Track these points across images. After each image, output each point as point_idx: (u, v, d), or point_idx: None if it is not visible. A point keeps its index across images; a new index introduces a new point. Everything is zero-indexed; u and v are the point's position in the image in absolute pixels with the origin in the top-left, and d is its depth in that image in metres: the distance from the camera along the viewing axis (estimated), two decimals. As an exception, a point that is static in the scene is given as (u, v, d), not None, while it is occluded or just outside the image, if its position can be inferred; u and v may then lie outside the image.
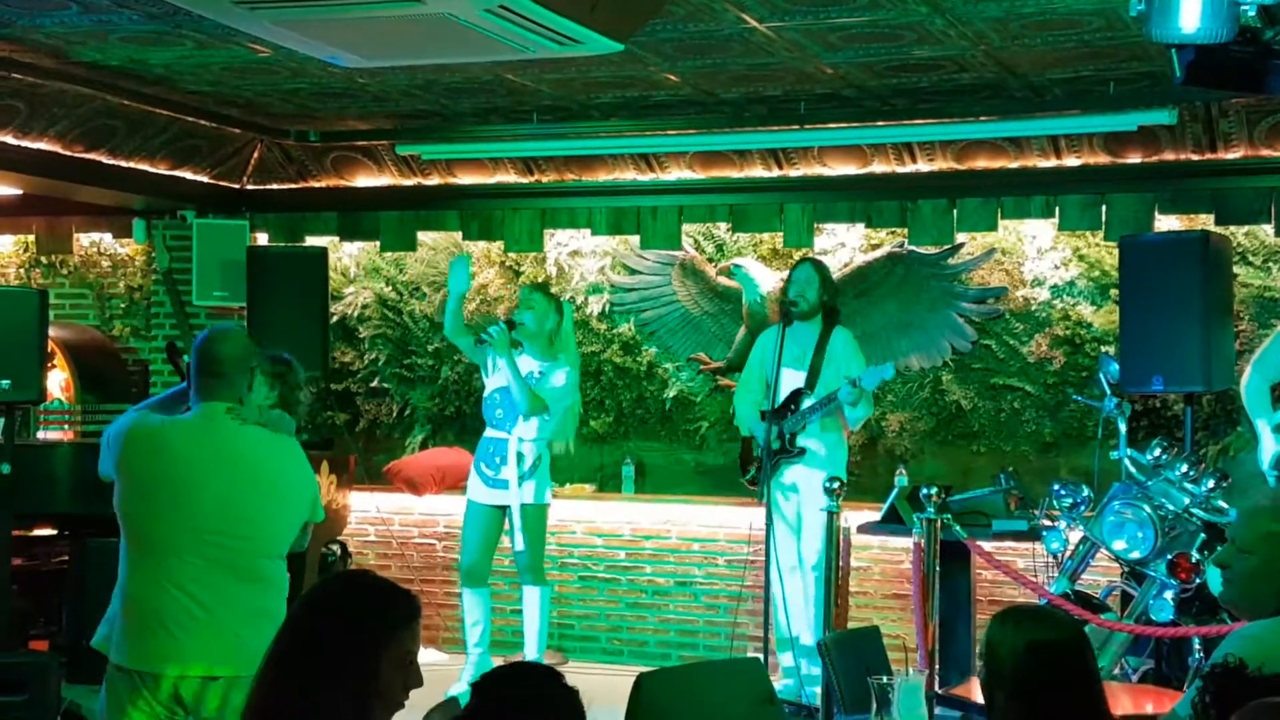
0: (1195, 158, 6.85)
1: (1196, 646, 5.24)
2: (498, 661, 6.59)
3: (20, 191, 8.01)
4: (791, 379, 6.53)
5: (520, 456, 6.52)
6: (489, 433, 6.65)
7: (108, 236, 8.75)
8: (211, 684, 3.72)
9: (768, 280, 7.49)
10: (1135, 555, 5.45)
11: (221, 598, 3.74)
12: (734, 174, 7.57)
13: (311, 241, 8.29)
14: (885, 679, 3.42)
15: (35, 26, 5.70)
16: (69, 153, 7.17)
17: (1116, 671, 5.37)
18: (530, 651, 6.55)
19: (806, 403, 6.48)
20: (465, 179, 8.03)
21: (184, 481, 3.77)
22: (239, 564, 3.78)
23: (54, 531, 7.30)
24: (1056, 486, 5.74)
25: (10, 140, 6.87)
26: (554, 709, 2.23)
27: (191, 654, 3.71)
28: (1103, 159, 6.98)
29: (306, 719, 2.38)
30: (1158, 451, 5.67)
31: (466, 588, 6.65)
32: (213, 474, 3.79)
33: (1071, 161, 7.04)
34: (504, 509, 6.60)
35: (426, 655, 2.59)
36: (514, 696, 2.24)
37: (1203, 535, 5.37)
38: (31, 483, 6.79)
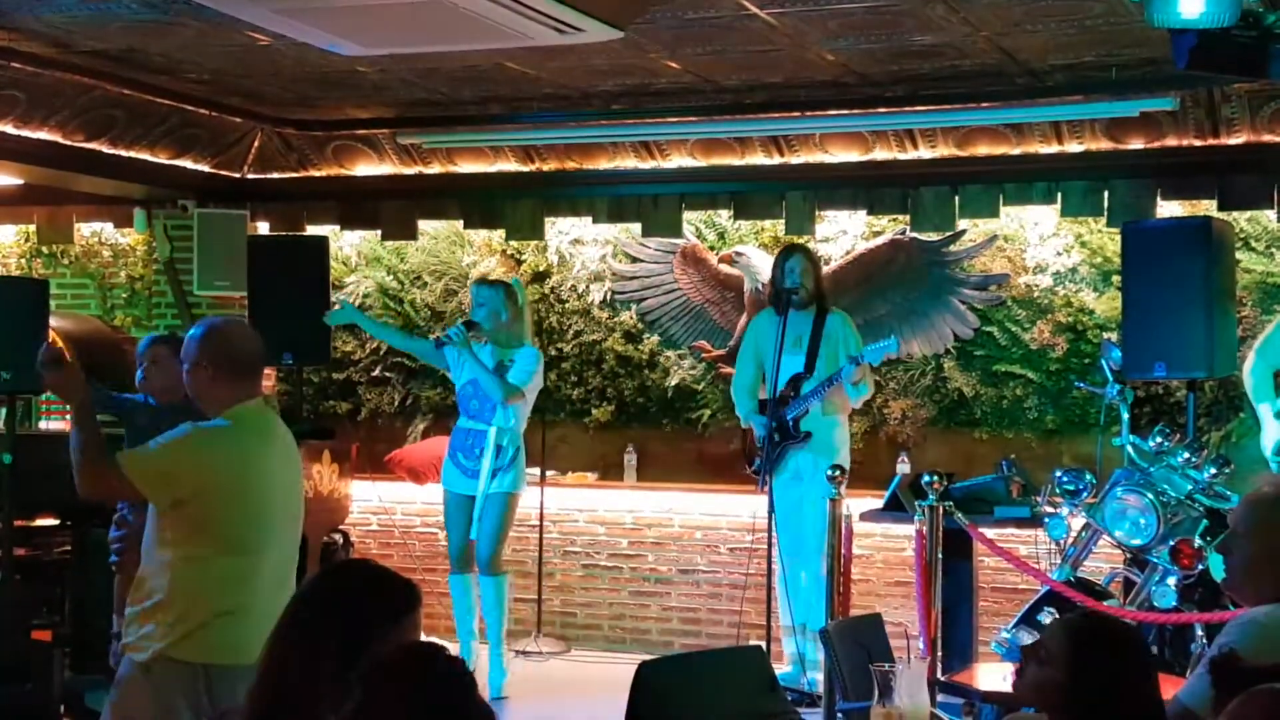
0: (1197, 143, 6.83)
1: (1199, 633, 5.24)
2: (481, 649, 6.61)
3: (21, 181, 7.99)
4: (790, 365, 6.54)
5: (499, 449, 6.51)
6: (465, 422, 6.63)
7: (109, 226, 8.74)
8: None
9: (769, 268, 7.47)
10: (1138, 542, 5.45)
11: (289, 587, 3.74)
12: (735, 161, 7.55)
13: (312, 230, 8.28)
14: (887, 666, 3.41)
15: (35, 16, 5.69)
16: (69, 142, 7.15)
17: (1119, 658, 5.36)
18: (494, 643, 6.56)
19: (807, 388, 6.49)
20: (466, 167, 8.01)
21: (274, 482, 3.73)
22: (293, 554, 3.83)
23: (56, 521, 7.30)
24: (1059, 473, 5.74)
25: (10, 130, 6.86)
26: (439, 687, 2.17)
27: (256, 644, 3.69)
28: (1105, 145, 6.96)
29: (310, 708, 2.38)
30: (1160, 438, 5.66)
31: (458, 574, 6.66)
32: (287, 470, 3.80)
33: (1073, 147, 7.02)
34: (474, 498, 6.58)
35: (428, 644, 2.56)
36: (399, 681, 2.19)
37: (1205, 522, 5.36)
38: (33, 473, 6.78)
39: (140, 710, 3.64)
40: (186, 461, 3.64)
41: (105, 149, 7.36)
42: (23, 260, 8.94)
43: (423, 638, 2.53)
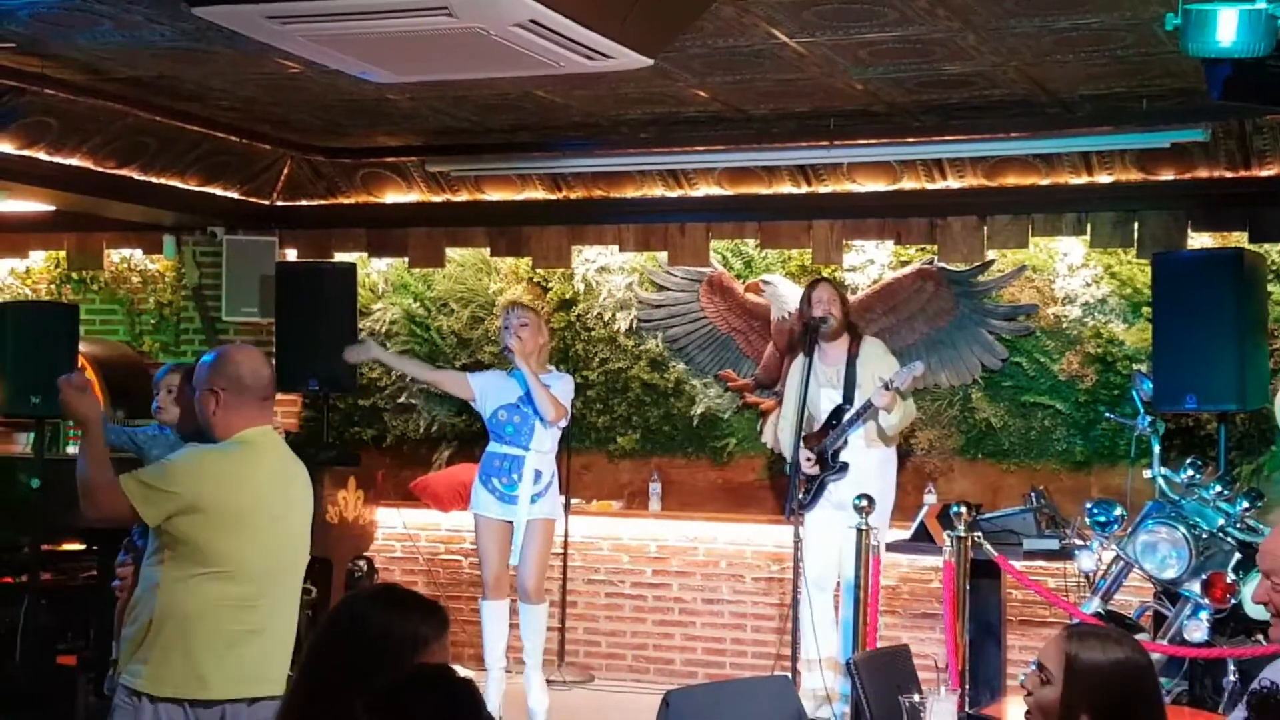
0: (1229, 175, 6.80)
1: (1231, 668, 5.18)
2: (516, 677, 6.57)
3: (52, 207, 8.05)
4: (830, 399, 6.53)
5: (538, 474, 6.47)
6: (499, 448, 6.54)
7: (138, 252, 8.79)
8: None
9: (796, 297, 7.46)
10: (1169, 575, 5.40)
11: (287, 618, 3.74)
12: (762, 190, 7.55)
13: (340, 258, 8.30)
14: (917, 698, 3.38)
15: (69, 43, 5.73)
16: (100, 169, 7.20)
17: (1150, 693, 5.31)
18: (531, 660, 6.52)
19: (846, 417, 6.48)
20: (494, 195, 8.03)
21: (263, 509, 3.70)
22: (294, 584, 3.81)
23: (82, 546, 7.31)
24: (1089, 505, 5.70)
25: (42, 156, 6.91)
26: (455, 703, 2.14)
27: (281, 675, 3.69)
28: (1135, 176, 6.93)
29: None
30: (1191, 471, 5.61)
31: (491, 600, 6.59)
32: (281, 499, 3.77)
33: (1103, 178, 7.00)
34: (511, 523, 6.52)
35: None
36: (413, 705, 2.16)
37: (1237, 555, 5.31)
38: (61, 497, 6.79)
39: None
40: (181, 478, 3.61)
41: (136, 175, 7.41)
42: (52, 285, 8.99)
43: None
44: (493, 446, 6.57)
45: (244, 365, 3.74)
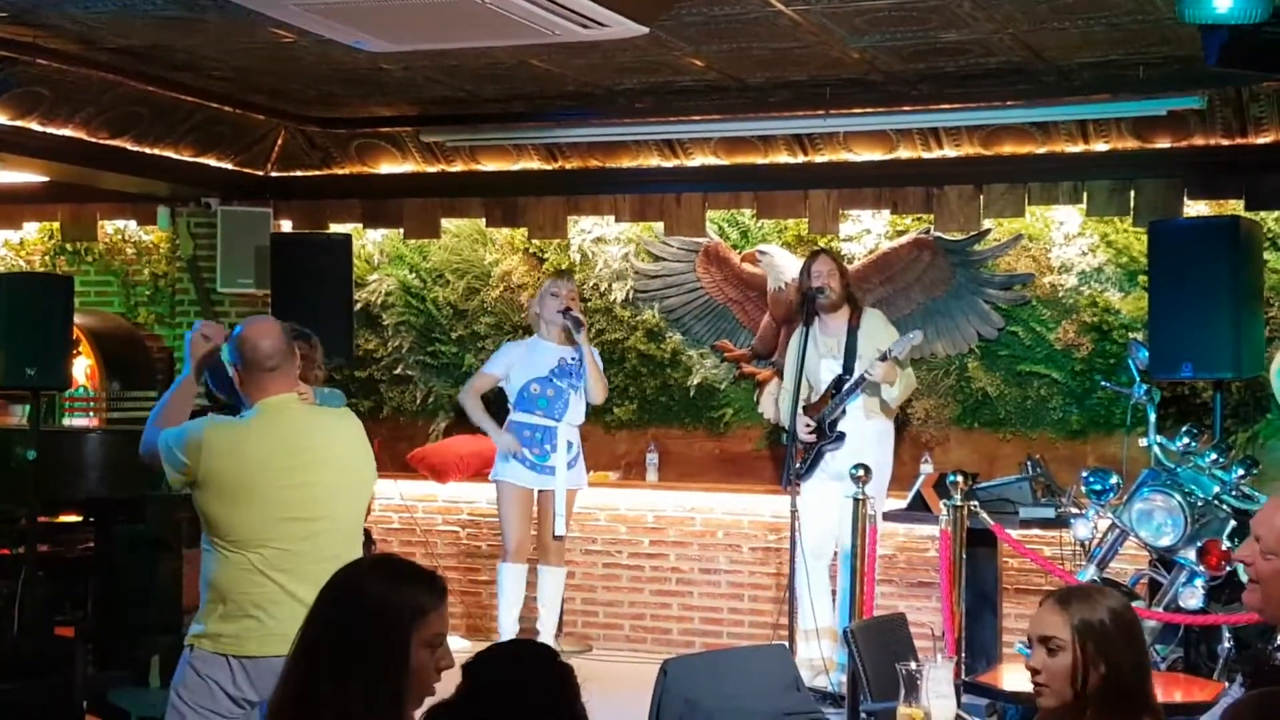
0: (1225, 143, 6.78)
1: (1226, 635, 5.20)
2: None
3: (45, 178, 8.02)
4: (830, 370, 6.55)
5: (570, 444, 6.71)
6: (529, 418, 6.69)
7: (132, 223, 8.76)
8: None
9: (793, 267, 7.45)
10: (1165, 543, 5.42)
11: (307, 580, 3.74)
12: (758, 160, 7.53)
13: (335, 229, 8.28)
14: (914, 665, 3.39)
15: (61, 12, 5.70)
16: (93, 139, 7.17)
17: (1145, 660, 5.33)
18: (549, 630, 6.62)
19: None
20: (489, 165, 8.01)
21: (268, 480, 3.82)
22: (322, 546, 3.84)
23: (79, 518, 7.32)
24: (1085, 473, 5.71)
25: (35, 127, 6.88)
26: (549, 688, 2.17)
27: (284, 636, 3.72)
28: (1131, 144, 6.92)
29: (341, 704, 2.37)
30: (1187, 439, 5.63)
31: (511, 564, 6.72)
32: (291, 467, 3.84)
33: (1100, 147, 6.98)
34: (535, 492, 6.77)
35: (450, 642, 2.56)
36: (508, 677, 2.18)
37: (1233, 522, 5.33)
38: (58, 469, 6.80)
39: (188, 691, 3.82)
40: (190, 450, 3.79)
41: (129, 146, 7.38)
42: (46, 257, 8.97)
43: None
44: (520, 416, 6.71)
45: (246, 341, 3.90)
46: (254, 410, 3.88)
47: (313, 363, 4.90)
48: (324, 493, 3.90)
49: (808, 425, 6.55)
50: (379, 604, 2.46)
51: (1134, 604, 5.43)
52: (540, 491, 6.78)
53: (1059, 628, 2.83)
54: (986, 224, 7.29)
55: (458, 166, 8.04)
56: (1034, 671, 2.88)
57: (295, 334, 4.27)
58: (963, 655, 5.38)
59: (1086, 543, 5.76)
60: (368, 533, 7.71)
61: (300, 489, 3.85)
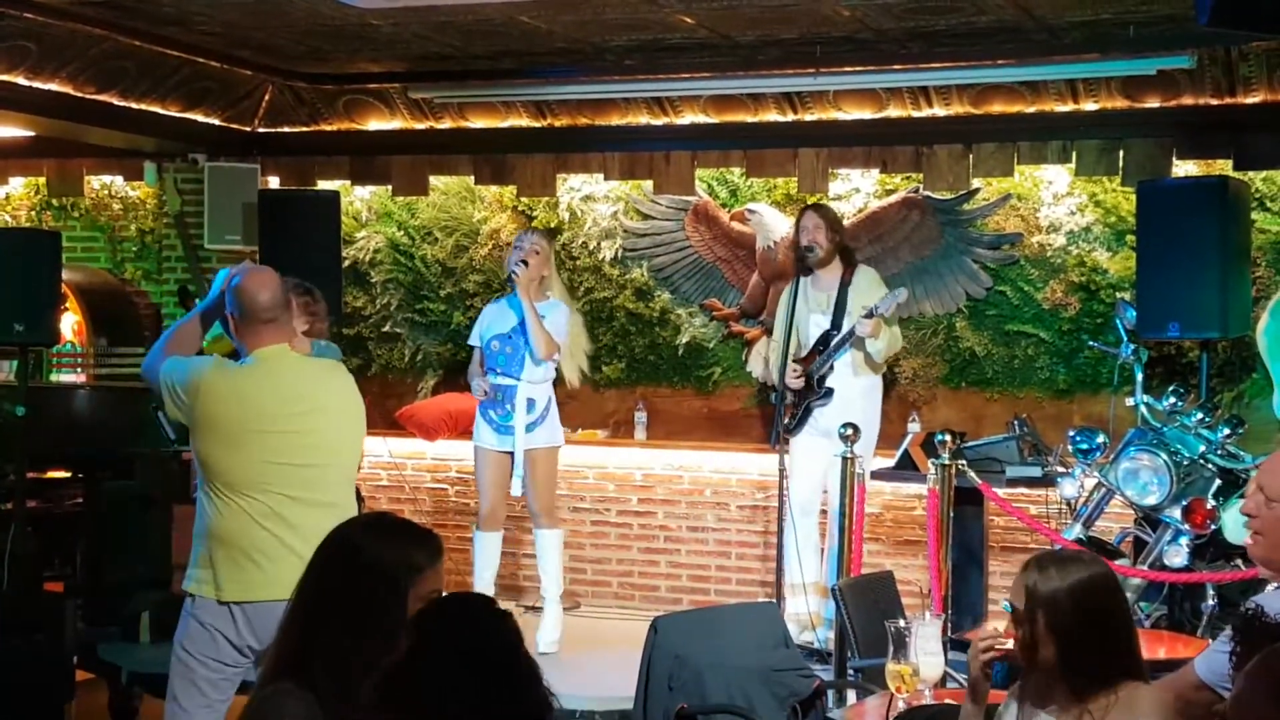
0: (1214, 102, 6.78)
1: (1210, 592, 5.25)
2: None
3: (31, 133, 7.97)
4: (819, 325, 6.55)
5: (531, 402, 6.41)
6: (494, 378, 6.41)
7: (119, 179, 8.72)
8: None
9: (782, 226, 7.45)
10: (1150, 501, 5.46)
11: (304, 527, 3.82)
12: (748, 119, 7.51)
13: (323, 185, 8.25)
14: (903, 622, 3.42)
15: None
16: (80, 94, 7.12)
17: (1129, 617, 5.38)
18: (550, 594, 6.54)
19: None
20: (477, 123, 7.98)
21: (263, 426, 3.89)
22: (317, 493, 3.93)
23: (68, 474, 7.32)
24: (1072, 433, 5.74)
25: (21, 81, 6.83)
26: (488, 637, 2.15)
27: (283, 582, 3.76)
28: (1120, 103, 6.92)
29: (338, 661, 2.38)
30: (1173, 398, 5.66)
31: (483, 532, 6.60)
32: (289, 414, 3.92)
33: (1089, 106, 6.98)
34: (511, 454, 6.48)
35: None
36: (451, 629, 2.16)
37: (1218, 481, 5.37)
38: (46, 425, 6.79)
39: (191, 642, 3.90)
40: (190, 387, 3.87)
41: (116, 101, 7.33)
42: (33, 213, 8.92)
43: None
44: (489, 376, 6.48)
45: (245, 291, 3.96)
46: (250, 359, 3.95)
47: (318, 316, 4.93)
48: (319, 439, 3.97)
49: (795, 371, 6.54)
50: (375, 561, 2.48)
51: (1119, 562, 5.50)
52: (510, 453, 6.55)
53: (1018, 595, 2.84)
54: (975, 183, 7.30)
55: (446, 123, 8.01)
56: (1015, 639, 2.89)
57: (299, 288, 4.29)
58: (949, 613, 5.42)
59: (1073, 501, 5.80)
60: (356, 490, 7.76)
61: (296, 435, 3.92)
